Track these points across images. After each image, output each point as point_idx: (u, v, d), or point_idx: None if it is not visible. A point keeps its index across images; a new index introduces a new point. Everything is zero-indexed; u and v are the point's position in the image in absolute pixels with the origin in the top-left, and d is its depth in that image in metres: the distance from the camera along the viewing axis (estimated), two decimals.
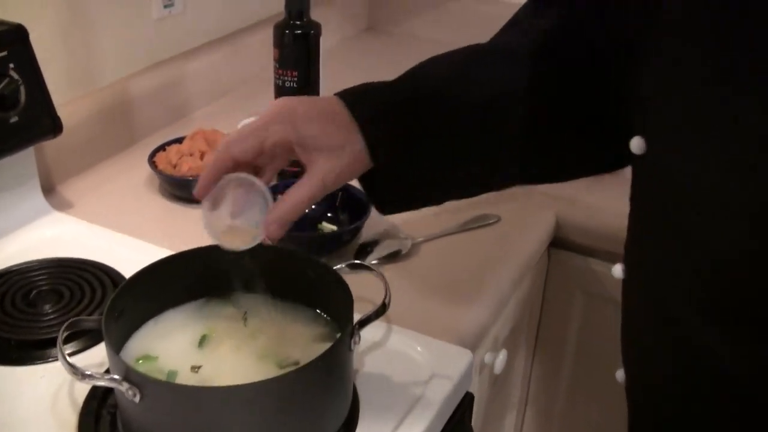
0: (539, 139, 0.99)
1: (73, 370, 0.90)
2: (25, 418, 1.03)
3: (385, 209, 1.02)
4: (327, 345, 0.95)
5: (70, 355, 1.12)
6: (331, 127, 0.93)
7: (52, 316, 1.19)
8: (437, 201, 1.04)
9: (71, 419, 1.01)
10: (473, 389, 1.18)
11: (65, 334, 0.95)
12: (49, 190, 1.54)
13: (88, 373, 0.90)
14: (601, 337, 1.65)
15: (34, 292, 1.24)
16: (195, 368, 1.01)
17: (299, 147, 0.93)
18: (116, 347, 0.97)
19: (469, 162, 0.97)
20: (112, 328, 0.96)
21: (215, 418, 0.89)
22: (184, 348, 1.04)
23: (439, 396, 1.07)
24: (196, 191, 0.96)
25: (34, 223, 1.42)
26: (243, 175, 0.95)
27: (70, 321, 0.97)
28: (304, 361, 0.95)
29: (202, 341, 1.05)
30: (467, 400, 1.16)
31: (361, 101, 0.95)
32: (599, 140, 0.99)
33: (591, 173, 1.05)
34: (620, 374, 0.95)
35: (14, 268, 1.29)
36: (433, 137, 0.96)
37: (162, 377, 0.98)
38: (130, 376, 0.89)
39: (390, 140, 0.94)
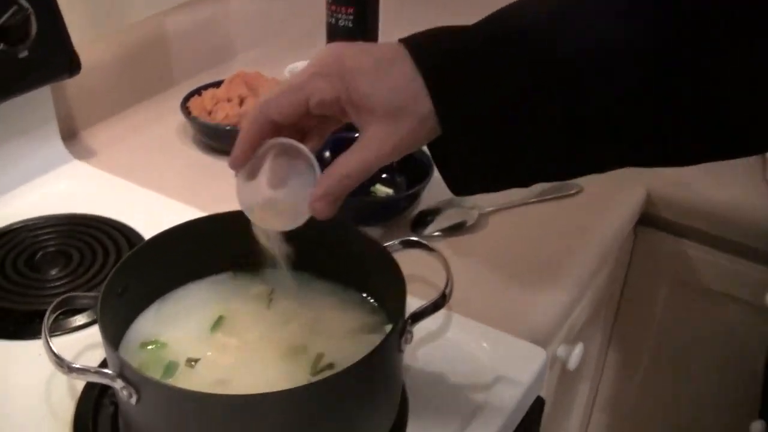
0: (661, 108, 0.76)
1: (58, 361, 0.75)
2: (14, 403, 0.89)
3: (460, 189, 0.81)
4: (371, 338, 0.85)
5: (76, 329, 0.99)
6: (389, 82, 0.74)
7: (57, 283, 1.05)
8: (525, 181, 0.82)
9: (68, 407, 0.88)
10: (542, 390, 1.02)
11: (52, 316, 0.79)
12: (70, 136, 1.42)
13: (77, 366, 0.75)
14: (687, 334, 1.51)
15: (40, 253, 1.10)
16: (191, 362, 0.85)
17: (350, 106, 0.75)
18: (112, 335, 0.81)
19: (567, 131, 0.75)
20: (111, 308, 0.80)
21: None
22: (196, 332, 0.89)
23: (505, 404, 0.90)
24: (230, 161, 0.80)
25: (51, 172, 1.30)
26: (285, 140, 0.79)
27: (60, 299, 0.82)
28: (340, 362, 0.81)
29: (217, 325, 0.89)
30: (537, 406, 1.00)
31: (429, 47, 0.75)
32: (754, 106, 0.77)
33: (732, 154, 0.82)
34: (758, 427, 0.76)
35: (21, 225, 1.16)
36: (520, 94, 0.74)
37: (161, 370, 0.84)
38: (125, 372, 0.73)
39: (465, 97, 0.74)
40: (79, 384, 0.89)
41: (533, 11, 0.76)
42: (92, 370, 0.74)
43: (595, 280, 1.25)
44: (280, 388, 0.71)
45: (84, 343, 0.95)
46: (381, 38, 1.42)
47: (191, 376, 0.83)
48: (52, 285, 1.04)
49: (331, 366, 0.83)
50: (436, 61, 0.74)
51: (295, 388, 0.72)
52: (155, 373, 0.82)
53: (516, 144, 0.75)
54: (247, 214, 0.83)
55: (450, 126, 0.74)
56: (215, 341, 0.87)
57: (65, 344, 0.94)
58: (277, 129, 0.79)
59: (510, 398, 0.91)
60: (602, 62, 0.72)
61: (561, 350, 1.19)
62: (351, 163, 0.75)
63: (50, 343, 0.75)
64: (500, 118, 0.74)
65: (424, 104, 0.73)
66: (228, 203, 0.93)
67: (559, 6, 0.75)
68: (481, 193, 0.82)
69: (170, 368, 0.83)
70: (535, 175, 0.80)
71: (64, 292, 1.00)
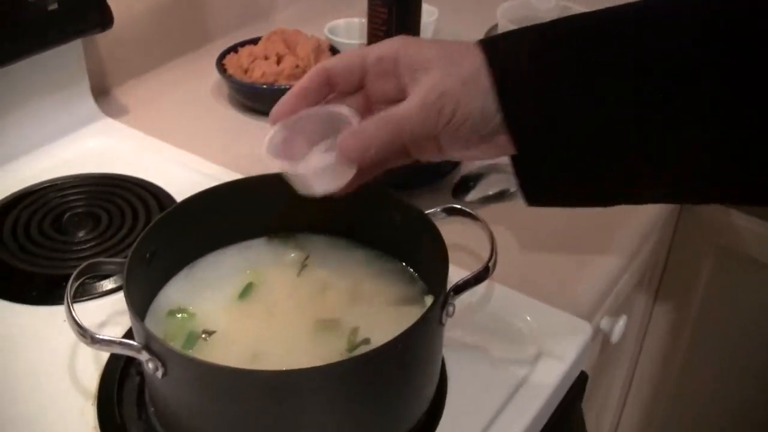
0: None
1: (81, 331, 0.71)
2: (36, 372, 0.86)
3: (533, 196, 0.75)
4: (410, 310, 0.81)
5: (104, 294, 0.95)
6: (446, 49, 0.72)
7: (84, 246, 1.02)
8: (603, 197, 0.74)
9: (92, 377, 0.85)
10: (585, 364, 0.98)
11: (76, 283, 0.75)
12: (102, 93, 1.38)
13: (100, 337, 0.71)
14: (731, 304, 1.45)
15: (68, 214, 1.07)
16: (206, 333, 0.81)
17: (406, 68, 0.72)
18: (138, 304, 0.77)
19: (646, 149, 0.68)
20: (137, 275, 0.77)
21: (260, 409, 0.70)
22: (225, 301, 0.85)
23: (549, 379, 0.87)
24: (272, 111, 0.77)
25: (82, 130, 1.27)
26: (339, 108, 0.75)
27: (84, 265, 0.78)
28: (377, 336, 0.78)
29: (245, 293, 0.86)
30: (581, 381, 0.96)
31: (495, 38, 0.72)
32: None
33: None
34: None
35: (49, 184, 1.13)
36: (590, 97, 0.68)
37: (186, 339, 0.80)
38: (152, 344, 0.69)
39: (526, 65, 0.69)
40: (105, 352, 0.86)
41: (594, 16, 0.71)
42: (116, 342, 0.71)
43: (641, 250, 1.20)
44: (312, 364, 0.67)
45: (112, 309, 0.92)
46: None
47: (217, 348, 0.79)
48: (79, 248, 1.01)
49: (366, 341, 0.79)
50: (497, 38, 0.71)
51: (331, 364, 0.68)
52: (181, 343, 0.79)
53: (591, 146, 0.69)
54: (278, 168, 0.78)
55: (497, 65, 0.69)
56: (243, 310, 0.84)
57: (92, 310, 0.92)
58: (330, 90, 0.77)
59: (554, 373, 0.87)
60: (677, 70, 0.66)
61: (605, 322, 1.14)
62: (395, 109, 0.71)
63: (73, 312, 0.71)
64: (567, 107, 0.68)
65: (476, 56, 0.70)
66: (264, 165, 0.88)
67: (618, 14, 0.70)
68: (557, 204, 0.76)
69: (194, 338, 0.80)
70: (615, 192, 0.73)
71: (91, 256, 0.98)
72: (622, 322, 1.15)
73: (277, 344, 0.79)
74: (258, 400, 0.69)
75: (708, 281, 1.47)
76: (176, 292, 0.85)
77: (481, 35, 1.60)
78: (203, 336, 0.80)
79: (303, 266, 0.88)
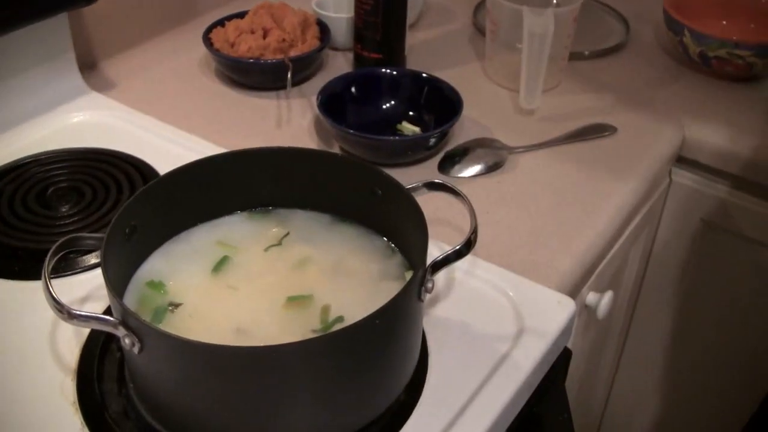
0: None
1: (58, 306, 0.70)
2: (18, 346, 0.86)
3: None
4: (390, 286, 0.81)
5: (89, 268, 0.95)
6: None
7: (67, 221, 1.01)
8: None
9: (72, 353, 0.84)
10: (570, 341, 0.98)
11: (54, 259, 0.75)
12: (89, 67, 1.37)
13: (78, 312, 0.70)
14: (720, 279, 1.45)
15: (52, 189, 1.07)
16: (173, 306, 0.81)
17: None
18: (116, 280, 0.77)
19: None
20: (116, 251, 0.77)
21: (235, 384, 0.69)
22: (200, 275, 0.85)
23: (530, 356, 0.86)
24: None
25: (68, 104, 1.25)
26: None
27: (63, 240, 0.77)
28: (353, 313, 0.77)
29: (219, 267, 0.85)
30: (564, 358, 0.96)
31: None
32: None
33: None
34: None
35: (32, 159, 1.12)
36: None
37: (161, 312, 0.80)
38: (128, 320, 0.69)
39: None
40: (85, 328, 0.85)
41: None
42: (93, 317, 0.70)
43: (627, 226, 1.20)
44: (282, 340, 0.67)
45: (96, 283, 0.92)
46: None
47: (187, 321, 0.79)
48: (62, 223, 1.00)
49: (340, 319, 0.79)
50: None
51: (306, 340, 0.68)
52: (155, 316, 0.79)
53: None
54: None
55: None
56: (218, 285, 0.83)
57: (76, 284, 0.92)
58: None
59: (536, 350, 0.87)
60: None
61: (590, 298, 1.14)
62: None
63: (50, 287, 0.70)
64: None
65: None
66: (249, 140, 0.87)
67: None
68: None
69: (158, 313, 0.80)
70: None
71: (74, 231, 0.97)
72: (607, 298, 1.15)
73: (249, 319, 0.79)
74: (232, 376, 0.68)
75: (696, 256, 1.47)
76: (155, 266, 0.85)
77: (470, 10, 1.60)
78: (170, 308, 0.80)
79: (280, 242, 0.88)
